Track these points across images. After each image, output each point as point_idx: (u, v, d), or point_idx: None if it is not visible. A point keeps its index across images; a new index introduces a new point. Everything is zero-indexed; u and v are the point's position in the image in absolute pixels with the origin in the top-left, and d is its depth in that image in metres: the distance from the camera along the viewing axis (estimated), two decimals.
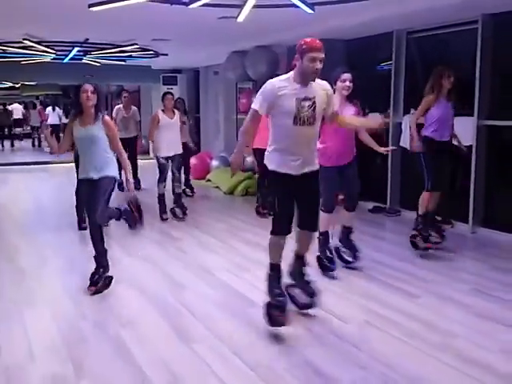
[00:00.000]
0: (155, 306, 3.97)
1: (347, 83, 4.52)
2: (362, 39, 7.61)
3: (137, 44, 8.59)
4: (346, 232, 4.80)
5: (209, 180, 9.70)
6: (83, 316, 3.85)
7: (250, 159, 7.10)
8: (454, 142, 5.33)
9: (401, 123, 7.03)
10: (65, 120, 16.52)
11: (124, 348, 3.29)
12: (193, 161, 9.24)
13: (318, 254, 4.65)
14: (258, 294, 4.20)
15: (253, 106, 3.50)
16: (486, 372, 2.95)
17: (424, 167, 5.15)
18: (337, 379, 2.89)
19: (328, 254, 4.69)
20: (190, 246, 5.61)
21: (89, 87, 4.21)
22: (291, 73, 3.46)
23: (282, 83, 3.42)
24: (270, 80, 3.49)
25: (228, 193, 8.76)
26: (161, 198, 6.78)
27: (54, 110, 16.19)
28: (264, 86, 3.47)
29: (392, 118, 7.14)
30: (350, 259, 4.81)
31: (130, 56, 9.96)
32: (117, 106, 9.00)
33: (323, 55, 3.35)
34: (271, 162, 3.56)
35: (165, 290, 4.35)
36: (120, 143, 4.46)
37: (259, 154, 6.98)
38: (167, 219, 6.77)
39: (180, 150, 6.83)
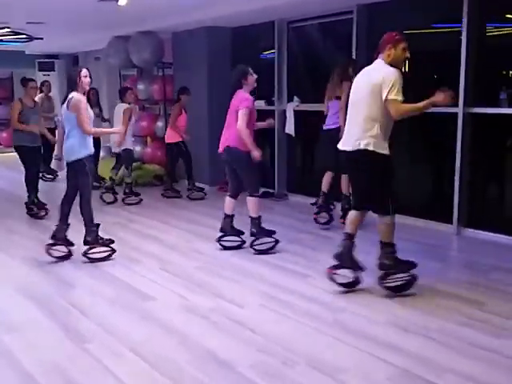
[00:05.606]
0: (42, 309, 3.74)
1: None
2: (246, 27, 7.68)
3: (8, 27, 7.94)
4: (229, 220, 5.02)
5: None
6: None
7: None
8: None
9: (285, 110, 7.23)
10: None
11: (11, 356, 3.06)
12: None
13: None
14: (151, 286, 4.15)
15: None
16: (376, 345, 3.12)
17: None
18: (237, 365, 2.91)
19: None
20: (77, 242, 5.33)
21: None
22: (380, 61, 3.73)
23: None
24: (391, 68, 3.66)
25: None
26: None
27: None
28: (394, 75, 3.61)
29: (276, 105, 7.35)
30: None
31: (1, 40, 9.21)
32: (40, 95, 8.24)
33: None
34: None
35: (51, 290, 4.12)
36: None
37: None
38: None
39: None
